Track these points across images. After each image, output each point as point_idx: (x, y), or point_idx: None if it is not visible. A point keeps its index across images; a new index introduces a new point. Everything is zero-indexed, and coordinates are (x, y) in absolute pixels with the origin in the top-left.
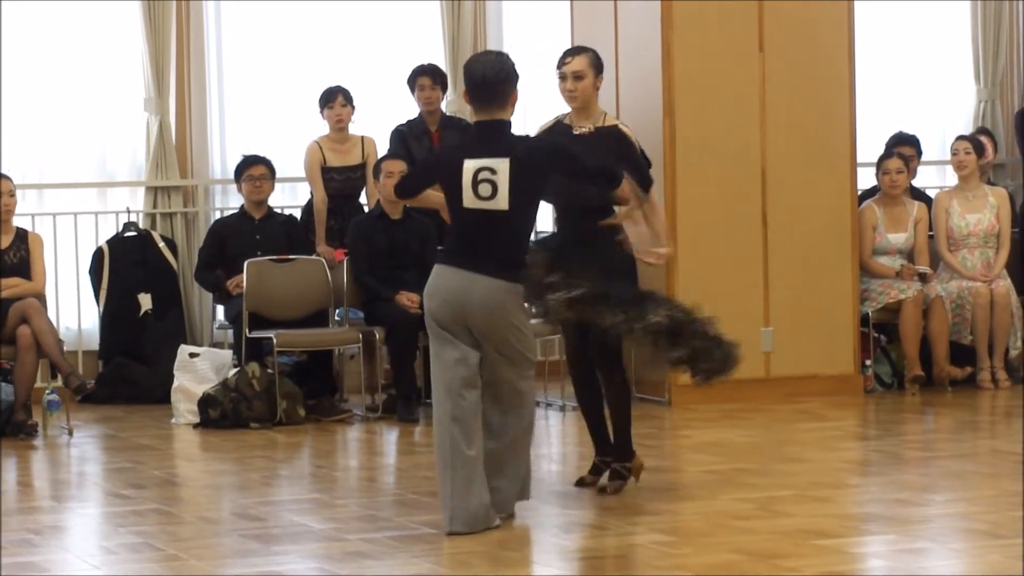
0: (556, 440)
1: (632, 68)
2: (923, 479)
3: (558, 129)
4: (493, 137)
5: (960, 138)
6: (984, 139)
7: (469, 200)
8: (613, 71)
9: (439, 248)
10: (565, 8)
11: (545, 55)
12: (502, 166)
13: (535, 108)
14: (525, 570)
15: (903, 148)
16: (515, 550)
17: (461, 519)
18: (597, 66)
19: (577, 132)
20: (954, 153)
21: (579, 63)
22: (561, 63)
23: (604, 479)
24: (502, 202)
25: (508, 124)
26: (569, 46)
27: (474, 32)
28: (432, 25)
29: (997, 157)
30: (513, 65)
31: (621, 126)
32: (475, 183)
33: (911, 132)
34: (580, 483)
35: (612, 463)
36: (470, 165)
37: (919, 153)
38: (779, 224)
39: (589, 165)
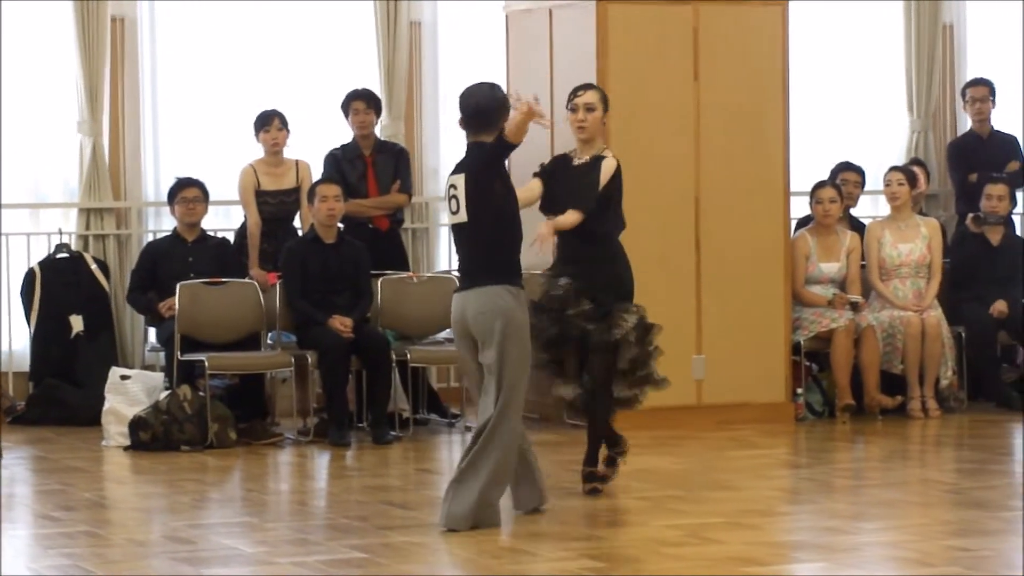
0: None
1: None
2: (853, 507)
3: (559, 159)
4: (470, 156)
5: (893, 169)
6: (917, 170)
7: (449, 217)
8: (548, 101)
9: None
10: (500, 38)
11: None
12: (460, 181)
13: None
14: None
15: (847, 174)
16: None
17: (447, 516)
18: (605, 102)
19: (576, 163)
20: (887, 184)
21: (591, 96)
22: (573, 95)
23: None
24: (463, 215)
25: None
26: (504, 77)
27: (409, 57)
28: (367, 50)
29: (930, 188)
30: (505, 95)
31: (607, 158)
32: (448, 200)
33: (848, 162)
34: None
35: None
36: (447, 185)
37: (863, 182)
38: (712, 252)
39: (493, 144)
